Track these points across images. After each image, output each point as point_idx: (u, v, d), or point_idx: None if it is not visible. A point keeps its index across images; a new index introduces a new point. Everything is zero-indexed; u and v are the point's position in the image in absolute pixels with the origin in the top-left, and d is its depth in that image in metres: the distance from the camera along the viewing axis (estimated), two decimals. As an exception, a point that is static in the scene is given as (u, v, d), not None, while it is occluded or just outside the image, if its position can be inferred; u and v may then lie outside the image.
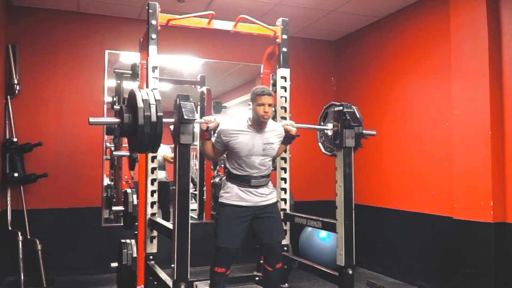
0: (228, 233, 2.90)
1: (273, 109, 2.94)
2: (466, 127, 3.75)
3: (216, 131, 2.98)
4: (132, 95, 2.45)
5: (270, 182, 3.08)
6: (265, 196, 3.00)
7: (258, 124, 2.94)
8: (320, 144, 3.39)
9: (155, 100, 2.41)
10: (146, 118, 2.34)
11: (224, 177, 3.14)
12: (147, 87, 3.14)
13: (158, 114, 2.38)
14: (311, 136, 5.39)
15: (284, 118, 3.55)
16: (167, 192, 5.65)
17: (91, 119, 2.45)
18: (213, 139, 2.98)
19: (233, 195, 2.95)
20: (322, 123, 3.29)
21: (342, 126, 2.86)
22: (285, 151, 3.53)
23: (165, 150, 5.77)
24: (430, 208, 4.22)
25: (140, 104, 2.35)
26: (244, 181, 2.96)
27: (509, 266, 3.46)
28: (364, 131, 3.06)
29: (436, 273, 4.13)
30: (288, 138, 3.14)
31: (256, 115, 2.90)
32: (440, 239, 4.09)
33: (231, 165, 3.01)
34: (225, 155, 3.08)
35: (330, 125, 3.11)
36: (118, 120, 2.46)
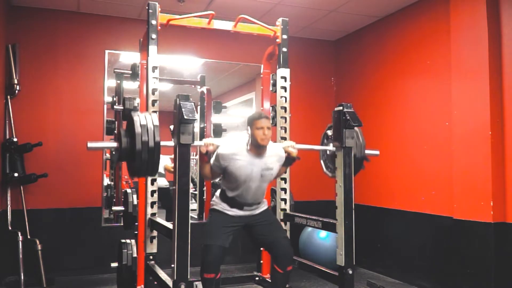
0: (215, 233, 2.90)
1: (271, 132, 2.89)
2: (466, 127, 3.75)
3: (215, 154, 2.91)
4: (130, 119, 2.45)
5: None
6: (256, 207, 3.04)
7: (257, 148, 2.89)
8: (322, 162, 3.38)
9: (153, 125, 2.41)
10: (143, 144, 2.36)
11: (217, 193, 3.10)
12: (147, 87, 3.14)
13: (156, 140, 2.39)
14: (311, 136, 5.41)
15: (284, 118, 3.55)
16: (170, 197, 5.64)
17: (89, 144, 2.46)
18: (212, 160, 2.94)
19: (224, 208, 3.00)
20: (326, 140, 3.28)
21: (342, 126, 2.86)
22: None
23: (165, 160, 5.72)
24: (430, 208, 4.22)
25: (138, 130, 2.37)
26: (236, 205, 2.99)
27: (509, 266, 3.46)
28: (366, 151, 3.08)
29: (436, 273, 4.13)
30: (289, 160, 3.10)
31: (255, 139, 2.85)
32: (440, 239, 4.09)
33: (227, 186, 3.00)
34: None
35: (331, 145, 3.11)
36: (116, 144, 2.48)
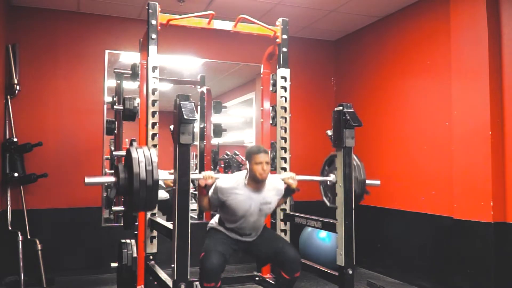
0: (215, 244, 2.88)
1: (270, 166, 2.88)
2: (466, 127, 3.75)
3: (213, 187, 2.87)
4: (129, 155, 2.44)
5: None
6: (255, 234, 3.04)
7: (256, 182, 2.87)
8: (321, 188, 3.38)
9: (152, 162, 2.40)
10: (141, 183, 2.36)
11: (216, 218, 3.09)
12: (147, 87, 3.14)
13: (154, 178, 2.40)
14: (311, 136, 5.42)
15: (284, 118, 3.55)
16: (170, 208, 5.60)
17: (86, 180, 2.45)
18: (210, 192, 2.90)
19: (223, 230, 3.00)
20: (327, 167, 3.28)
21: (342, 126, 2.86)
22: (286, 151, 3.53)
23: (164, 175, 5.67)
24: (430, 208, 4.22)
25: (136, 169, 2.37)
26: (235, 233, 2.99)
27: (509, 266, 3.46)
28: (367, 181, 3.10)
29: (436, 273, 4.13)
30: (288, 191, 3.08)
31: (254, 174, 2.83)
32: (440, 239, 4.09)
33: (225, 218, 2.99)
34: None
35: (332, 176, 3.11)
36: (114, 179, 2.47)
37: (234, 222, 2.94)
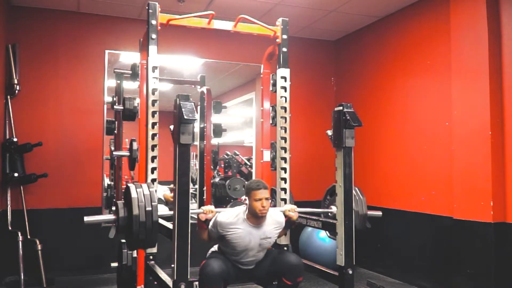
0: (216, 258, 2.88)
1: (270, 201, 2.86)
2: (466, 127, 3.75)
3: (213, 221, 2.87)
4: (128, 193, 2.42)
5: None
6: (256, 263, 3.02)
7: (256, 218, 2.86)
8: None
9: (151, 203, 2.39)
10: (141, 225, 2.36)
11: (215, 247, 3.08)
12: (147, 87, 3.14)
13: (154, 220, 2.38)
14: (311, 136, 5.42)
15: (284, 118, 3.55)
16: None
17: (86, 219, 2.45)
18: (209, 225, 2.90)
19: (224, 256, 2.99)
20: (328, 197, 3.28)
21: (342, 126, 2.86)
22: (286, 151, 3.53)
23: (163, 190, 5.63)
24: (430, 208, 4.22)
25: (135, 210, 2.36)
26: (235, 262, 2.98)
27: (509, 266, 3.46)
28: (368, 213, 3.12)
29: (436, 273, 4.13)
30: (289, 224, 3.07)
31: (254, 211, 2.82)
32: (440, 239, 4.09)
33: (225, 250, 2.99)
34: None
35: (334, 208, 3.11)
36: (113, 217, 2.46)
37: (233, 255, 2.96)
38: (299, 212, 3.05)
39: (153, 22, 3.10)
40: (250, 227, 2.87)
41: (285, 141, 3.55)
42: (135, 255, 3.46)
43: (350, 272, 2.82)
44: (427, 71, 4.35)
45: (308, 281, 4.46)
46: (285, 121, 3.56)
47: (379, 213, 3.29)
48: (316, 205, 3.49)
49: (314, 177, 5.38)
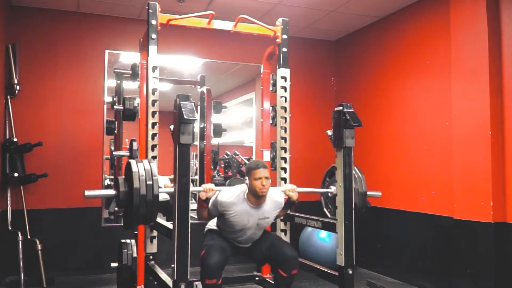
0: (215, 241, 2.92)
1: (270, 180, 2.87)
2: (466, 127, 3.75)
3: (213, 199, 2.88)
4: (129, 168, 2.43)
5: None
6: (252, 242, 3.06)
7: (256, 198, 2.87)
8: (322, 199, 3.39)
9: (152, 177, 2.40)
10: (141, 198, 2.36)
11: (214, 222, 3.10)
12: (147, 87, 3.14)
13: (154, 193, 2.39)
14: (311, 136, 5.41)
15: (284, 118, 3.55)
16: (170, 209, 5.61)
17: (86, 193, 2.43)
18: (209, 203, 2.90)
19: (221, 232, 3.03)
20: (328, 178, 3.29)
21: (342, 126, 2.86)
22: (286, 151, 3.53)
23: (164, 181, 5.66)
24: (430, 208, 4.22)
25: (136, 184, 2.36)
26: (232, 240, 3.02)
27: (509, 266, 3.46)
28: (368, 193, 3.13)
29: (436, 273, 4.13)
30: (289, 204, 3.09)
31: (254, 190, 2.83)
32: (440, 239, 4.09)
33: (223, 228, 3.01)
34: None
35: (333, 188, 3.12)
36: (114, 192, 2.47)
37: (231, 233, 2.98)
38: (299, 192, 3.06)
39: (153, 22, 3.10)
40: (249, 207, 2.88)
41: (285, 141, 3.55)
42: (135, 255, 3.47)
43: (350, 272, 2.82)
44: (427, 71, 4.35)
45: (308, 281, 4.46)
46: (285, 121, 3.57)
47: (379, 193, 3.29)
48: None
49: (314, 177, 5.37)
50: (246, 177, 2.88)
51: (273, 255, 2.99)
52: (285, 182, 3.59)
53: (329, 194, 3.19)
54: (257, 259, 3.16)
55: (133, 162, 2.45)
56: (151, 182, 2.40)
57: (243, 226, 2.90)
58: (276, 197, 3.01)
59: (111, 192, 2.50)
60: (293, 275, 2.95)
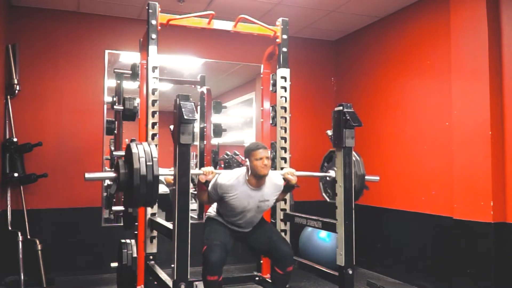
0: (216, 234, 2.93)
1: (270, 161, 2.89)
2: (466, 127, 3.75)
3: (213, 182, 2.89)
4: (129, 150, 2.44)
5: None
6: (251, 227, 3.08)
7: (257, 179, 2.88)
8: (320, 184, 3.39)
9: (152, 158, 2.40)
10: (142, 178, 2.36)
11: (214, 208, 3.11)
12: (147, 87, 3.14)
13: (155, 174, 2.40)
14: (311, 136, 5.41)
15: (284, 118, 3.55)
16: (169, 202, 5.63)
17: (86, 175, 2.44)
18: (209, 186, 2.92)
19: (221, 219, 3.04)
20: (326, 163, 3.29)
21: (342, 126, 2.86)
22: (286, 151, 3.53)
23: (164, 172, 5.66)
24: (430, 208, 4.22)
25: (136, 164, 2.37)
26: (232, 224, 3.03)
27: (509, 266, 3.46)
28: (366, 177, 3.13)
29: (436, 273, 4.13)
30: (288, 187, 3.10)
31: (255, 170, 2.83)
32: (440, 239, 4.09)
33: (223, 212, 3.02)
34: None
35: (331, 172, 3.12)
36: (114, 175, 2.47)
37: (231, 217, 2.99)
38: (298, 176, 3.07)
39: (153, 22, 3.10)
40: (249, 189, 2.89)
41: (285, 141, 3.55)
42: (135, 255, 3.47)
43: (350, 272, 2.82)
44: (427, 71, 4.35)
45: (308, 281, 4.46)
46: (285, 121, 3.57)
47: (377, 177, 3.29)
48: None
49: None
50: (246, 159, 2.89)
51: (270, 251, 3.01)
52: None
53: (328, 178, 3.19)
54: (254, 249, 3.16)
55: (132, 144, 2.46)
56: (151, 163, 2.40)
57: (243, 209, 2.90)
58: (275, 180, 3.02)
59: (111, 174, 2.51)
60: (289, 272, 2.98)
